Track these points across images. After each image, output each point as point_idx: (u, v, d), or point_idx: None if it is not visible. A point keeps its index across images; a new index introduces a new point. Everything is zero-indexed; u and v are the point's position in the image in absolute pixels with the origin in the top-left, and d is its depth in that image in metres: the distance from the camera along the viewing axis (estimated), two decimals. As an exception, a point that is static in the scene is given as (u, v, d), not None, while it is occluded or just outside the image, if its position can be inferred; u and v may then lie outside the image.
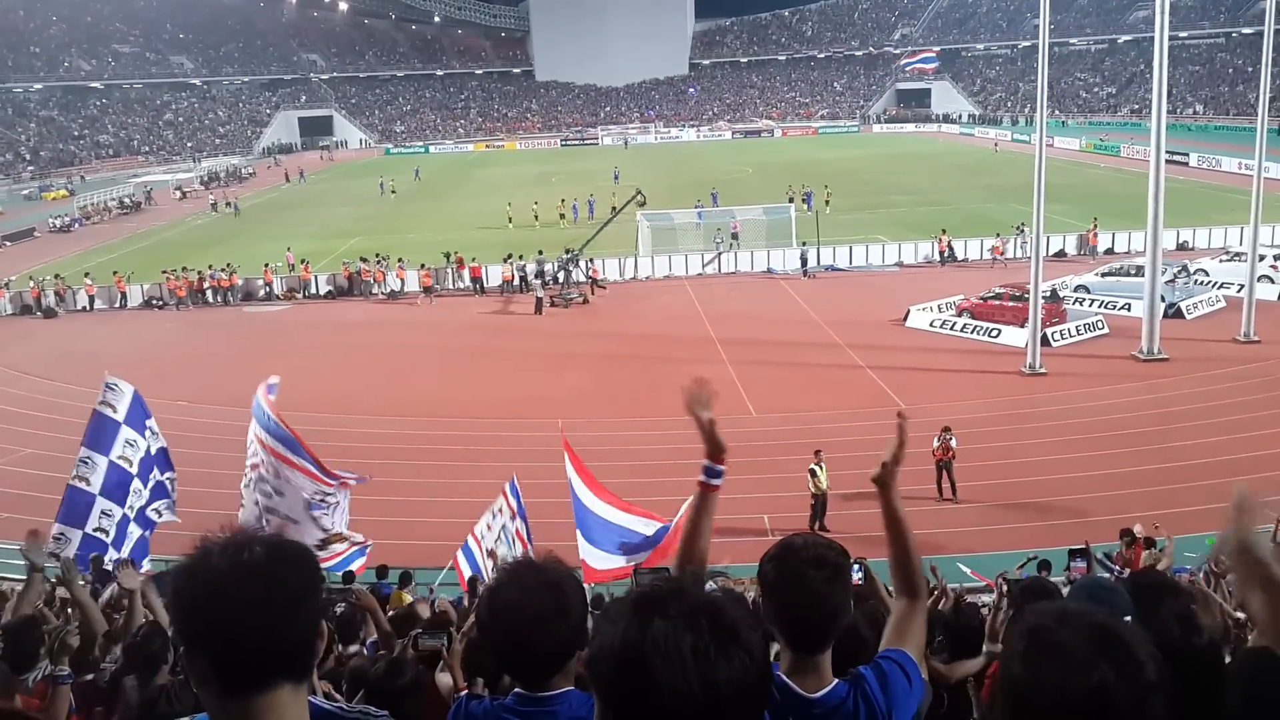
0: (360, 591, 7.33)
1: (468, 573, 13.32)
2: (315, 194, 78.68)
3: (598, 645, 1.76)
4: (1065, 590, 10.36)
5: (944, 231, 43.74)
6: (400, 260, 43.12)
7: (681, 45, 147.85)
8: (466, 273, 42.46)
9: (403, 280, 42.49)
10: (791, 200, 51.80)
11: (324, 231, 57.57)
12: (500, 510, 14.29)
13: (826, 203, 55.08)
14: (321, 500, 13.51)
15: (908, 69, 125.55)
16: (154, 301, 42.24)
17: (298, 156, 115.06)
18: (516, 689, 2.76)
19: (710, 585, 5.03)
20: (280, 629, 1.93)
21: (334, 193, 79.19)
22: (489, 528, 14.09)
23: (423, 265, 42.38)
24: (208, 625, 1.92)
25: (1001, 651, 1.92)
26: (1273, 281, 34.78)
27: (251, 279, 43.14)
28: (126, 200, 75.63)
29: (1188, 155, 68.37)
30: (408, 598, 13.86)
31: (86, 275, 43.26)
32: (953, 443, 20.04)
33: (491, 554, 13.78)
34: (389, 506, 19.73)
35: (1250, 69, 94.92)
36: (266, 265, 43.47)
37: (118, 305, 41.99)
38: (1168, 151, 29.97)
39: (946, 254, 43.19)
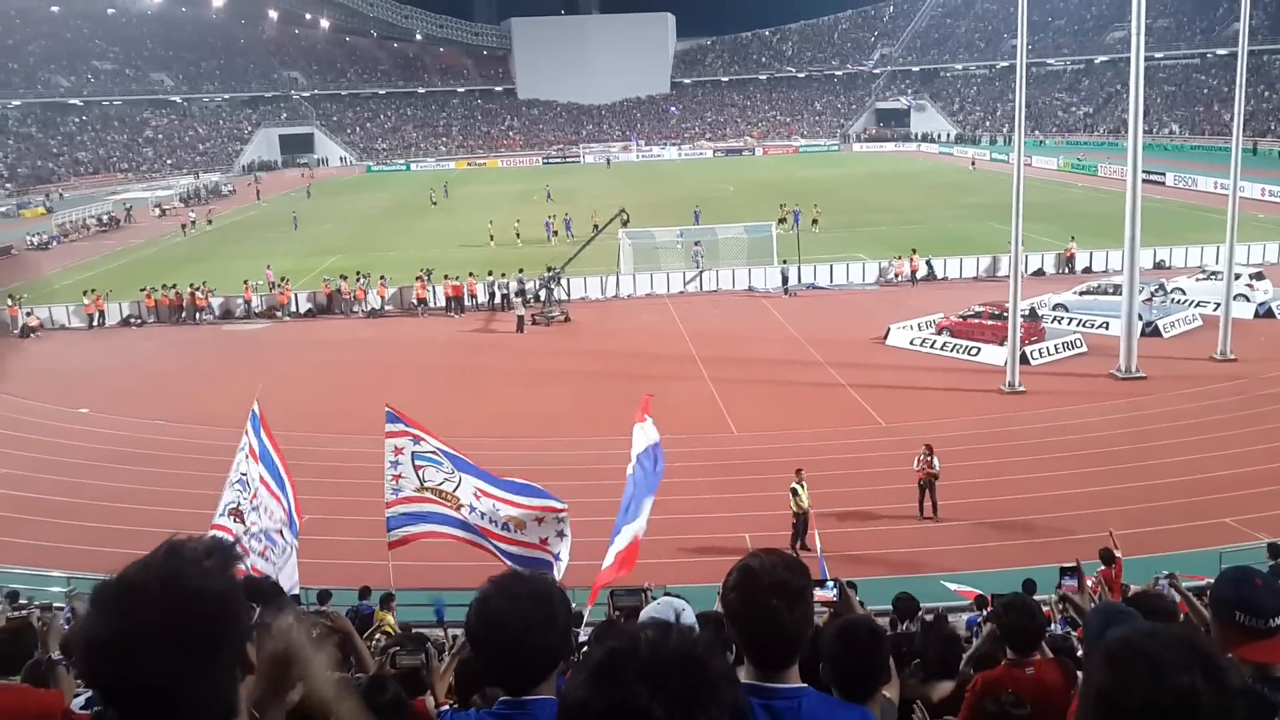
0: (334, 614, 7.19)
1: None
2: (300, 210, 78.37)
3: (568, 705, 1.76)
4: (1048, 606, 10.38)
5: (914, 251, 44.07)
6: (382, 278, 43.02)
7: (663, 64, 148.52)
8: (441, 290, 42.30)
9: (383, 298, 42.37)
10: (783, 220, 51.83)
11: (304, 249, 57.40)
12: (402, 460, 13.36)
13: (815, 221, 55.39)
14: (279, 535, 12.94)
15: (886, 96, 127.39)
16: (133, 320, 41.96)
17: (278, 174, 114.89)
18: (502, 698, 2.81)
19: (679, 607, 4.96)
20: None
21: (314, 210, 78.96)
22: (399, 478, 13.21)
23: (445, 276, 42.56)
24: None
25: (1086, 661, 2.04)
26: (1248, 300, 35.12)
27: (231, 297, 42.91)
28: (105, 218, 75.23)
29: (1164, 175, 69.02)
30: (390, 618, 13.74)
31: (85, 294, 42.20)
32: (934, 463, 20.07)
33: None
34: (370, 526, 19.55)
35: (1225, 89, 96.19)
36: (246, 283, 43.23)
37: (96, 324, 41.63)
38: (1144, 171, 30.30)
39: (921, 273, 43.49)
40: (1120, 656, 1.93)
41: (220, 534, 11.45)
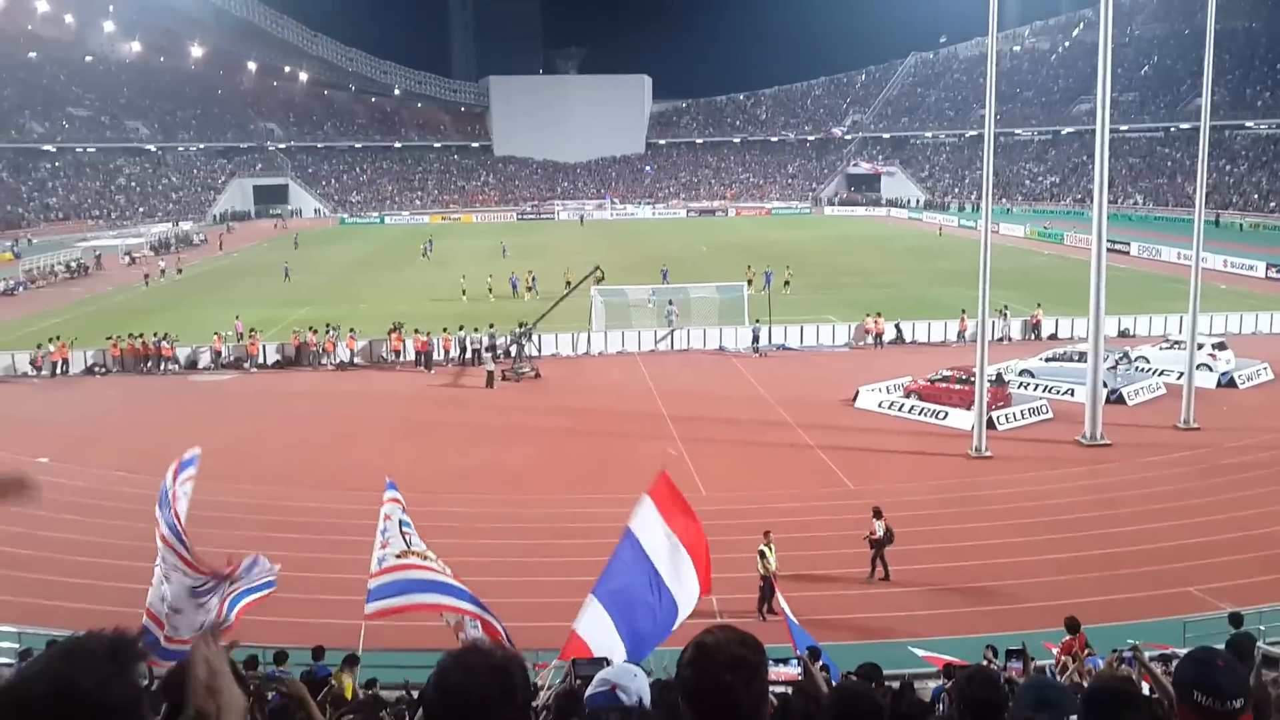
0: (289, 680, 7.05)
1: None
2: (267, 262, 78.18)
3: None
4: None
5: (879, 314, 44.54)
6: (351, 330, 42.82)
7: (639, 125, 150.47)
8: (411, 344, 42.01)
9: (353, 350, 42.12)
10: (751, 282, 52.17)
11: (275, 300, 57.15)
12: (390, 525, 13.52)
13: (786, 283, 55.90)
14: (202, 588, 12.41)
15: (857, 161, 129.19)
16: (96, 368, 41.44)
17: (251, 224, 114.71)
18: None
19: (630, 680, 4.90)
20: None
21: (295, 261, 78.81)
22: (385, 545, 13.34)
23: (414, 331, 42.10)
24: None
25: None
26: (1211, 370, 35.60)
27: (198, 347, 42.49)
28: (73, 264, 74.63)
29: (1128, 244, 70.42)
30: (349, 680, 13.42)
31: (50, 340, 41.38)
32: (876, 527, 20.16)
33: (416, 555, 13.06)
34: (333, 584, 19.28)
35: (1188, 162, 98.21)
36: (217, 334, 42.81)
37: (60, 372, 41.02)
38: (1109, 240, 30.81)
39: (889, 336, 43.98)
40: None
41: (148, 622, 10.92)
